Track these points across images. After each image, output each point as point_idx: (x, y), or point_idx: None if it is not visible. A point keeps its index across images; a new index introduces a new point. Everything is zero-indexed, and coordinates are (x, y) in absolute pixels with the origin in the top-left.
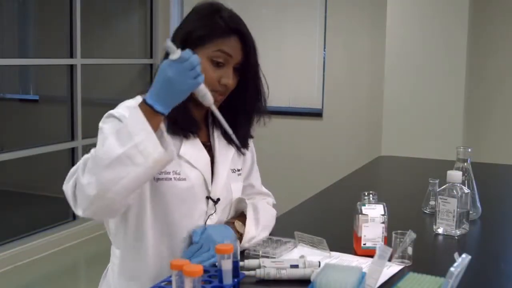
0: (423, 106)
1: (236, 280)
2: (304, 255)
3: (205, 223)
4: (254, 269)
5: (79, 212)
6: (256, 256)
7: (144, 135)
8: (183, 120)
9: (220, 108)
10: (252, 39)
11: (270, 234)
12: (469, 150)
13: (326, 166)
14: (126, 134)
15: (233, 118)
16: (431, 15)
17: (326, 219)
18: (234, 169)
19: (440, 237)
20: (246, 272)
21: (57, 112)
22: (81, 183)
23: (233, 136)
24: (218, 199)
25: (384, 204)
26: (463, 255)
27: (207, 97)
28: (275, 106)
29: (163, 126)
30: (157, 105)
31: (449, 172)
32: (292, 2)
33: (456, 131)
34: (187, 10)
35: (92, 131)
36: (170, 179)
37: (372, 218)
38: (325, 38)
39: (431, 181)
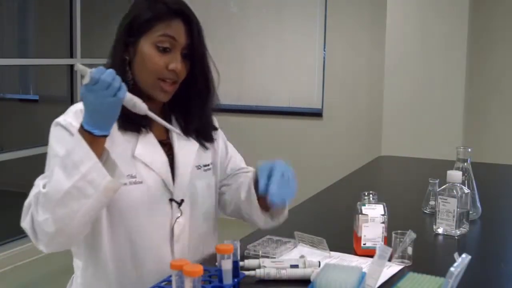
0: (423, 106)
1: (236, 280)
2: (304, 255)
3: (172, 227)
4: (254, 269)
5: (41, 248)
6: (256, 256)
7: (90, 164)
8: (134, 115)
9: (173, 100)
10: (197, 20)
11: (270, 234)
12: (469, 150)
13: (326, 166)
14: (71, 165)
15: (187, 110)
16: (431, 15)
17: (326, 219)
18: (200, 165)
19: (440, 237)
20: (246, 272)
21: (57, 112)
22: (38, 220)
23: (177, 131)
24: (182, 200)
25: (384, 204)
26: (463, 255)
27: (138, 106)
28: (275, 106)
29: (107, 147)
30: (95, 129)
31: (449, 172)
32: (292, 2)
33: (456, 131)
34: None
35: None
36: (125, 184)
37: (372, 218)
38: (325, 38)
39: (431, 181)
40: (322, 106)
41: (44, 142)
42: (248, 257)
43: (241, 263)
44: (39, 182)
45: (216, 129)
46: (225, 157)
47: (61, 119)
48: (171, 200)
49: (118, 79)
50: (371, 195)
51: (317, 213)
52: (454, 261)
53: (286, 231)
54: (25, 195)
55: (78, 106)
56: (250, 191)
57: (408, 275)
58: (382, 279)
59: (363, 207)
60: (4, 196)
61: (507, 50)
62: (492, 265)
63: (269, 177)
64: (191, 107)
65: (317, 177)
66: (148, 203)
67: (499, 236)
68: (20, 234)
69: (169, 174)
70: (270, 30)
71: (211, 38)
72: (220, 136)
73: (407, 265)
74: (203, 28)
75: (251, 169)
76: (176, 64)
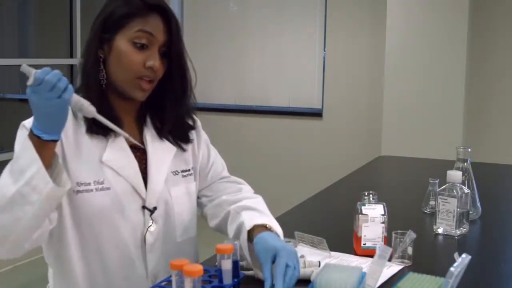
0: (423, 106)
1: (236, 280)
2: (304, 255)
3: (145, 236)
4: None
5: None
6: None
7: (34, 169)
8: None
9: (150, 100)
10: (175, 16)
11: None
12: (469, 150)
13: (326, 166)
14: (18, 170)
15: (162, 111)
16: (432, 15)
17: (326, 219)
18: (177, 170)
19: (440, 237)
20: (246, 272)
21: None
22: None
23: (125, 134)
24: (155, 208)
25: (384, 204)
26: (463, 255)
27: (85, 109)
28: (275, 106)
29: (58, 152)
30: (43, 134)
31: (449, 172)
32: (292, 2)
33: (456, 131)
34: (187, 9)
35: None
36: (91, 190)
37: (372, 218)
38: (325, 38)
39: (431, 181)
40: (322, 106)
41: None
42: None
43: (241, 263)
44: None
45: (193, 128)
46: (207, 163)
47: (27, 121)
48: (143, 207)
49: (64, 80)
50: (371, 195)
51: (317, 213)
52: (454, 261)
53: (286, 231)
54: None
55: None
56: (243, 248)
57: (408, 275)
58: (382, 279)
59: (363, 207)
60: None
61: (507, 50)
62: (492, 265)
63: (272, 262)
64: (165, 106)
65: (317, 177)
66: (116, 210)
67: (499, 236)
68: None
69: (140, 180)
70: (270, 30)
71: (211, 38)
72: (202, 139)
73: (407, 265)
74: (199, 27)
75: (233, 179)
76: (154, 61)
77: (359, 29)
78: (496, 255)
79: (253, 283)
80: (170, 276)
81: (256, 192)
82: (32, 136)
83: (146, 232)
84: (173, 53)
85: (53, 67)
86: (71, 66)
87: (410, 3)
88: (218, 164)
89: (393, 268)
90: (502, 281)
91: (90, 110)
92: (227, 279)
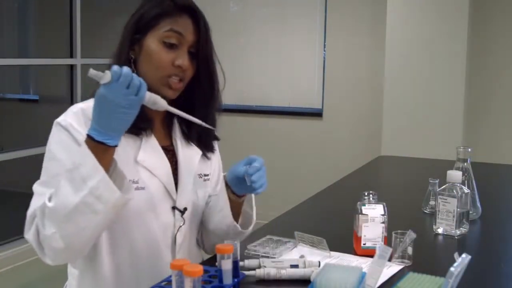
0: (423, 106)
1: (236, 280)
2: (304, 255)
3: (175, 236)
4: (254, 269)
5: (47, 262)
6: (256, 256)
7: (98, 178)
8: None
9: (177, 103)
10: (204, 17)
11: (270, 234)
12: (469, 150)
13: (326, 166)
14: (79, 179)
15: (190, 113)
16: (432, 15)
17: (326, 219)
18: (201, 174)
19: (440, 237)
20: (246, 272)
21: (57, 112)
22: (45, 235)
23: (203, 123)
24: (185, 209)
25: (384, 204)
26: (463, 255)
27: (159, 102)
28: (275, 106)
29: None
30: (109, 140)
31: (449, 172)
32: (293, 2)
33: (456, 131)
34: None
35: None
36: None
37: (372, 218)
38: (325, 38)
39: (431, 181)
40: (322, 106)
41: (44, 142)
42: (248, 257)
43: (241, 263)
44: (39, 190)
45: (218, 139)
46: (218, 175)
47: (61, 119)
48: (173, 208)
49: (136, 77)
50: (371, 195)
51: (317, 213)
52: (454, 261)
53: (286, 231)
54: (25, 195)
55: (79, 106)
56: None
57: (408, 275)
58: (382, 279)
59: (363, 207)
60: (4, 196)
61: (507, 50)
62: (492, 265)
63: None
64: (194, 108)
65: (317, 177)
66: (150, 210)
67: (499, 236)
68: (20, 234)
69: (172, 181)
70: (270, 30)
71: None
72: (217, 151)
73: (407, 265)
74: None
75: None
76: (183, 60)
77: (359, 29)
78: (496, 255)
79: (253, 283)
80: (170, 276)
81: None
82: (90, 141)
83: (177, 232)
84: (202, 54)
85: (53, 67)
86: (71, 66)
87: (410, 3)
88: (223, 181)
89: (393, 268)
90: (502, 281)
91: (163, 103)
92: (227, 279)
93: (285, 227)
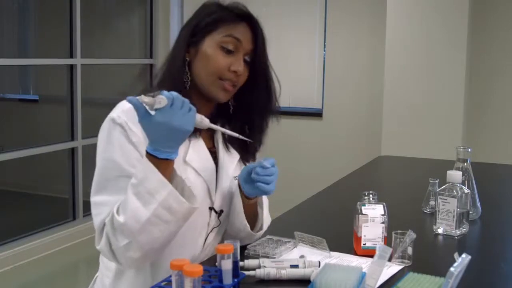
0: (423, 106)
1: (236, 280)
2: (304, 255)
3: (207, 236)
4: (254, 269)
5: (124, 268)
6: (256, 256)
7: (165, 192)
8: None
9: (233, 111)
10: (261, 27)
11: (270, 234)
12: (469, 150)
13: (326, 166)
14: (146, 193)
15: (245, 121)
16: (432, 15)
17: (326, 219)
18: (236, 176)
19: (440, 237)
20: (246, 272)
21: (57, 112)
22: (118, 246)
23: (241, 137)
24: (222, 211)
25: (384, 204)
26: (463, 255)
27: (204, 120)
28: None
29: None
30: (170, 155)
31: (449, 172)
32: (292, 2)
33: (456, 131)
34: (187, 10)
35: (92, 131)
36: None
37: (372, 218)
38: (325, 38)
39: (431, 181)
40: (322, 106)
41: (44, 142)
42: (248, 257)
43: (241, 263)
44: (99, 199)
45: (257, 150)
46: None
47: (115, 115)
48: (210, 208)
49: (180, 96)
50: (371, 195)
51: (317, 213)
52: (454, 261)
53: (286, 231)
54: (25, 195)
55: (128, 106)
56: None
57: (408, 275)
58: (382, 279)
59: (363, 207)
60: (4, 196)
61: (507, 50)
62: (492, 265)
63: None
64: (252, 116)
65: (317, 177)
66: None
67: (499, 236)
68: (20, 234)
69: (214, 183)
70: (270, 30)
71: None
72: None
73: (407, 265)
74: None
75: None
76: (239, 66)
77: (359, 29)
78: (496, 255)
79: (253, 283)
80: (170, 276)
81: None
82: (153, 158)
83: (210, 232)
84: (259, 62)
85: (53, 67)
86: (71, 66)
87: (410, 3)
88: None
89: (393, 268)
90: (502, 281)
91: (206, 121)
92: (227, 279)
93: (285, 227)
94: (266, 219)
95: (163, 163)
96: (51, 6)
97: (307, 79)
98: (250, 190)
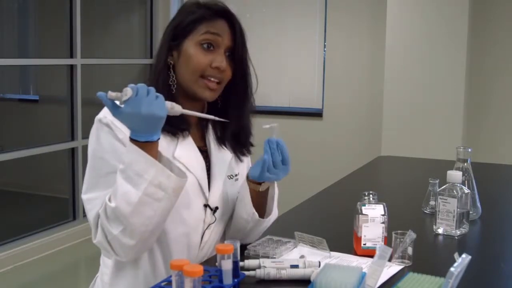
0: (423, 106)
1: (236, 280)
2: (304, 255)
3: (203, 233)
4: (254, 269)
5: (122, 259)
6: (256, 256)
7: (154, 170)
8: (173, 118)
9: (212, 107)
10: (239, 22)
11: (270, 234)
12: (469, 150)
13: (326, 166)
14: (135, 175)
15: (224, 116)
16: (432, 16)
17: (326, 219)
18: (231, 175)
19: (440, 237)
20: (246, 272)
21: (57, 112)
22: (113, 234)
23: (216, 118)
24: (217, 208)
25: (384, 204)
26: (463, 255)
27: (175, 107)
28: (275, 106)
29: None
30: (151, 136)
31: (449, 172)
32: (292, 2)
33: (456, 131)
34: None
35: None
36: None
37: (372, 218)
38: (325, 38)
39: (431, 181)
40: (322, 106)
41: (44, 142)
42: (248, 257)
43: (241, 263)
44: (91, 195)
45: (252, 145)
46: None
47: (101, 116)
48: (205, 205)
49: (144, 85)
50: (371, 195)
51: (317, 213)
52: (454, 261)
53: (286, 231)
54: (25, 195)
55: None
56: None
57: (408, 275)
58: (382, 279)
59: (363, 207)
60: (4, 196)
61: (507, 50)
62: (492, 265)
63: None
64: (228, 111)
65: (317, 177)
66: (184, 205)
67: (499, 236)
68: (20, 234)
69: (206, 179)
70: (270, 30)
71: None
72: (249, 158)
73: (407, 265)
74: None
75: None
76: (221, 62)
77: (359, 29)
78: (496, 255)
79: (253, 283)
80: (170, 276)
81: None
82: (136, 142)
83: (206, 229)
84: (237, 56)
85: (53, 67)
86: (71, 66)
87: (410, 3)
88: None
89: (393, 268)
90: (502, 281)
91: (177, 108)
92: (227, 279)
93: (285, 227)
94: (274, 210)
95: (146, 146)
96: (51, 6)
97: (307, 79)
98: (256, 171)
